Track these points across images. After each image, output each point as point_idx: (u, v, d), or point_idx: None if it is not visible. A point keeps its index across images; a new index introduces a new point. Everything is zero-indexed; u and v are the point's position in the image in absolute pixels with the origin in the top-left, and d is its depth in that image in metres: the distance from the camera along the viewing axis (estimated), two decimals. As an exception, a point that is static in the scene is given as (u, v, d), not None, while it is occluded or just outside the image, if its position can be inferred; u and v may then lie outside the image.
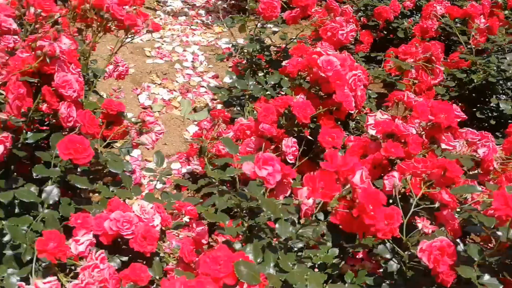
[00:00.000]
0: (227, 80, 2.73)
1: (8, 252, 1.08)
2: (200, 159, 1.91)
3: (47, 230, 0.97)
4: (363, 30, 2.75)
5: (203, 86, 2.66)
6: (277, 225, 0.95)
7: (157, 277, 1.16)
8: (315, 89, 1.61)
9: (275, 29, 2.38)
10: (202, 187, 1.80)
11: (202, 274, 0.80)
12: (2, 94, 1.08)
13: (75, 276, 0.99)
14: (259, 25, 2.03)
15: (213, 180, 1.70)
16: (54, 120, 1.36)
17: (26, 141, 1.31)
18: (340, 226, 0.97)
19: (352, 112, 1.54)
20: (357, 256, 1.55)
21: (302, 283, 0.90)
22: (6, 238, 1.11)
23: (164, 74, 2.71)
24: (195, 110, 2.51)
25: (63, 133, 1.31)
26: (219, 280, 0.78)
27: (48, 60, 1.21)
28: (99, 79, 1.70)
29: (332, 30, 1.88)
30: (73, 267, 1.06)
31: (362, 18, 2.86)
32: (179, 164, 2.15)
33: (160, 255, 1.24)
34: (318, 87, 1.57)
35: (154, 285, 1.28)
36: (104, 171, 1.42)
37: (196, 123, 2.40)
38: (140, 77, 2.65)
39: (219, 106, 2.42)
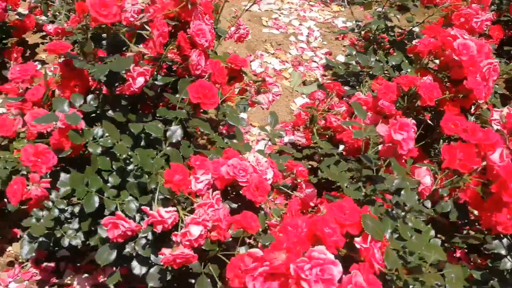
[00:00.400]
0: (340, 58, 2.70)
1: (131, 180, 1.16)
2: (305, 131, 1.91)
3: (174, 163, 1.02)
4: (492, 25, 2.57)
5: (314, 61, 2.65)
6: (402, 192, 0.92)
7: (260, 230, 1.19)
8: (441, 73, 1.53)
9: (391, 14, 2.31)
10: (305, 157, 1.81)
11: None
12: (148, 30, 1.15)
13: (191, 212, 1.04)
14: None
15: (318, 150, 1.70)
16: (182, 67, 1.42)
17: (155, 83, 1.39)
18: (468, 204, 0.93)
19: (479, 102, 1.45)
20: (454, 255, 1.50)
21: (420, 251, 0.88)
22: (130, 167, 1.19)
23: (278, 45, 2.73)
24: (304, 83, 2.50)
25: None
26: (344, 227, 0.78)
27: (189, 6, 1.26)
28: (220, 40, 1.76)
29: (467, 17, 1.78)
30: (185, 204, 1.11)
31: (492, 12, 2.67)
32: (283, 133, 2.17)
33: (264, 211, 1.26)
34: (447, 71, 1.49)
35: (249, 240, 1.31)
36: (220, 123, 1.47)
37: (303, 95, 2.40)
38: (255, 45, 2.69)
39: (329, 83, 2.39)
